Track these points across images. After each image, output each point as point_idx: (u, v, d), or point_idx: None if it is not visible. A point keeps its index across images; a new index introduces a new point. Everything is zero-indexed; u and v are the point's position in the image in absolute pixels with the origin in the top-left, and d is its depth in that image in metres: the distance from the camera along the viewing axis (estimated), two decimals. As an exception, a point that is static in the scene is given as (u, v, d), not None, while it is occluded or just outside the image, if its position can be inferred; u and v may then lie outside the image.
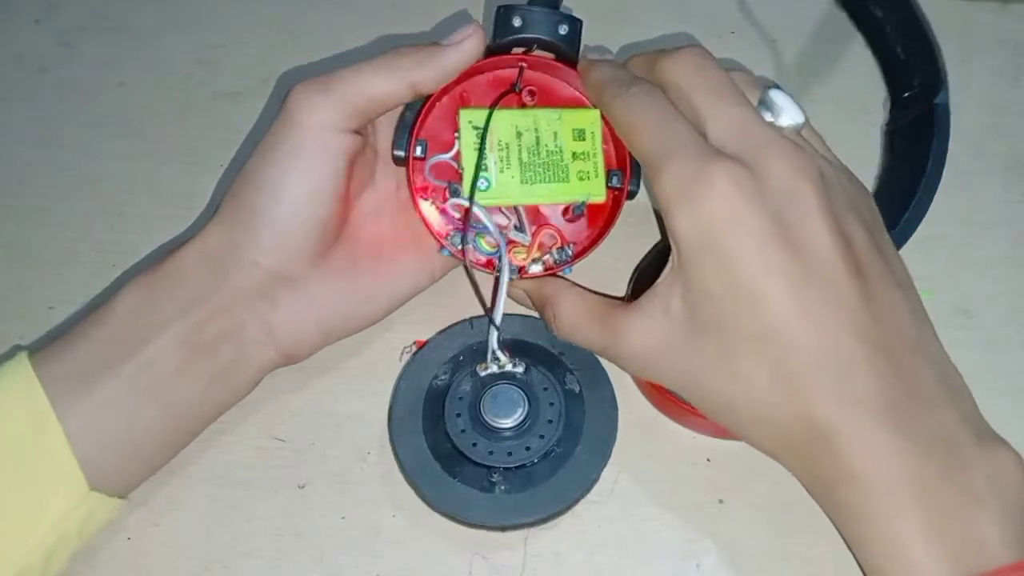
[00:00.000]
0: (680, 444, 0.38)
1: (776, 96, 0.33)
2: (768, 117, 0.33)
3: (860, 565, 0.31)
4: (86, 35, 0.53)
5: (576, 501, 0.36)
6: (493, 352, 0.37)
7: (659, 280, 0.33)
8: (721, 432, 0.37)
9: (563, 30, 0.37)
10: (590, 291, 0.37)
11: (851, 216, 0.32)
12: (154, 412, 0.34)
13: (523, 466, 0.36)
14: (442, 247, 0.37)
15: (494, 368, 0.37)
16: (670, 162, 0.31)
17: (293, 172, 0.35)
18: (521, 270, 0.38)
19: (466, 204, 0.36)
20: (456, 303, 0.41)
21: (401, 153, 0.37)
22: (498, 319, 0.36)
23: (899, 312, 0.31)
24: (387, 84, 0.36)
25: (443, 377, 0.38)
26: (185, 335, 0.34)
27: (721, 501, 0.37)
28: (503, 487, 0.36)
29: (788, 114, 0.33)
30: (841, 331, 0.30)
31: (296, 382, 0.40)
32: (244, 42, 0.53)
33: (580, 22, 0.38)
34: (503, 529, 0.36)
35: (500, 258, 0.37)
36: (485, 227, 0.37)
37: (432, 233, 0.37)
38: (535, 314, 0.39)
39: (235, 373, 0.36)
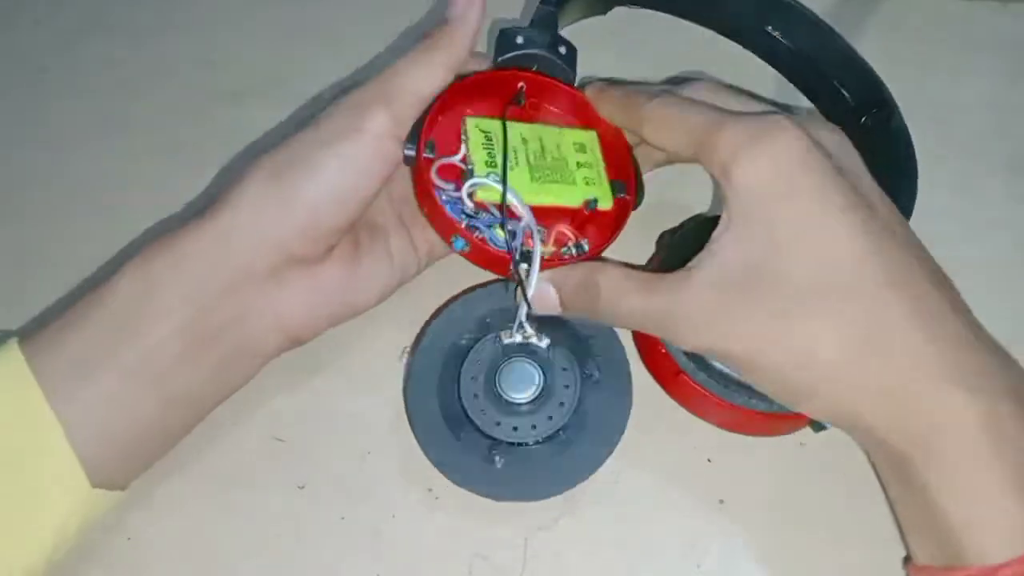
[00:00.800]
0: (680, 444, 0.38)
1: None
2: None
3: (937, 523, 0.31)
4: (86, 35, 0.53)
5: (570, 487, 0.36)
6: (520, 323, 0.37)
7: (712, 238, 0.33)
8: (728, 423, 0.37)
9: (563, 51, 0.39)
10: (628, 267, 0.36)
11: (860, 184, 0.34)
12: (155, 403, 0.34)
13: (525, 444, 0.36)
14: (457, 238, 0.37)
15: (518, 338, 0.37)
16: (729, 125, 0.32)
17: (347, 171, 0.35)
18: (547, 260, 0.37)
19: (483, 182, 0.36)
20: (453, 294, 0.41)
21: (412, 152, 0.37)
22: (530, 293, 0.36)
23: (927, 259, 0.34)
24: (433, 78, 0.36)
25: (467, 337, 0.38)
26: (189, 322, 0.34)
27: (721, 501, 0.37)
28: (503, 460, 0.36)
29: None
30: (919, 277, 0.32)
31: (296, 382, 0.40)
32: (244, 42, 0.53)
33: (575, 49, 0.39)
34: (496, 498, 0.36)
35: (533, 234, 0.36)
36: (495, 218, 0.36)
37: (447, 227, 0.37)
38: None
39: (240, 359, 0.36)
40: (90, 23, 0.54)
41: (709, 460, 0.38)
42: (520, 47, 0.38)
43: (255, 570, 0.35)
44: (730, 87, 0.36)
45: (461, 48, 0.37)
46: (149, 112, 0.50)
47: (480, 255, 0.36)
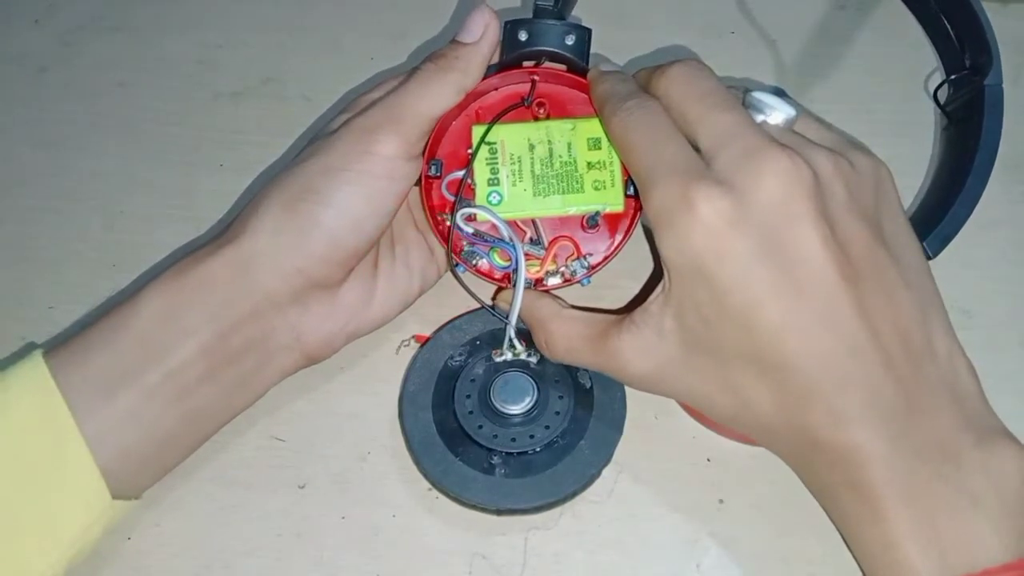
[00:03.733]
0: (680, 444, 0.38)
1: (761, 96, 0.33)
2: (759, 118, 0.33)
3: (861, 569, 0.31)
4: (86, 35, 0.53)
5: (573, 495, 0.36)
6: (510, 339, 0.38)
7: (651, 298, 0.33)
8: (724, 430, 0.38)
9: (570, 40, 0.38)
10: (581, 309, 0.37)
11: (851, 215, 0.31)
12: (175, 420, 0.34)
13: (525, 453, 0.36)
14: (458, 264, 0.38)
15: (509, 355, 0.38)
16: (656, 185, 0.31)
17: (361, 195, 0.35)
18: (538, 282, 0.38)
19: (474, 212, 0.37)
20: (457, 301, 0.41)
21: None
22: (513, 318, 0.37)
23: (901, 315, 0.31)
24: (444, 100, 0.37)
25: (458, 359, 0.39)
26: (212, 343, 0.34)
27: (721, 501, 0.37)
28: (503, 471, 0.36)
29: (778, 111, 0.33)
30: (835, 346, 0.30)
31: (296, 382, 0.40)
32: (244, 42, 0.53)
33: (588, 31, 0.38)
34: (499, 512, 0.36)
35: (516, 259, 0.37)
36: (496, 239, 0.38)
37: (447, 250, 0.38)
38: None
39: (257, 378, 0.36)
40: (90, 23, 0.54)
41: (709, 460, 0.38)
42: (525, 44, 0.38)
43: (255, 570, 0.35)
44: (708, 74, 0.34)
45: (475, 73, 0.37)
46: (149, 112, 0.50)
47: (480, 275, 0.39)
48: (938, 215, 0.41)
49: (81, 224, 0.45)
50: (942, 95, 0.45)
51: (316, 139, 0.38)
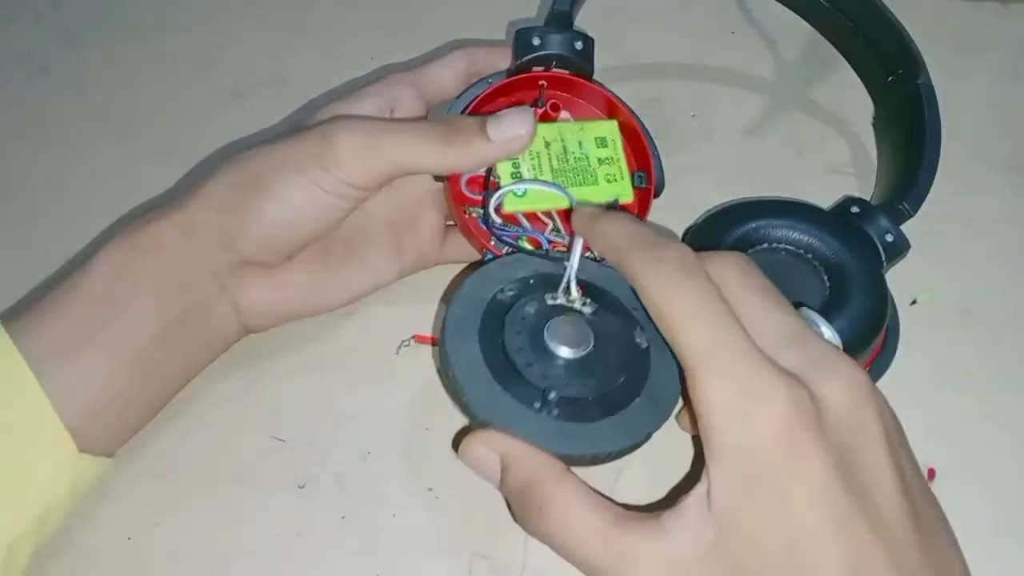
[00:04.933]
0: (680, 444, 0.38)
1: (810, 314, 0.32)
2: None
3: None
4: (86, 35, 0.53)
5: (623, 452, 0.33)
6: (567, 283, 0.35)
7: (687, 501, 0.28)
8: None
9: (579, 46, 0.39)
10: (592, 490, 0.30)
11: (904, 447, 0.29)
12: (135, 379, 0.35)
13: (577, 399, 0.33)
14: (487, 253, 0.39)
15: (563, 300, 0.35)
16: (721, 365, 0.27)
17: (307, 200, 0.36)
18: None
19: (505, 192, 0.38)
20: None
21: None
22: (575, 261, 0.35)
23: (951, 564, 0.28)
24: (430, 166, 0.37)
25: (508, 293, 0.35)
26: (161, 305, 0.35)
27: (721, 501, 0.37)
28: (554, 412, 0.32)
29: (826, 333, 0.32)
30: None
31: (296, 382, 0.40)
32: (244, 42, 0.53)
33: (592, 40, 0.40)
34: (555, 450, 0.32)
35: (573, 207, 0.37)
36: (523, 230, 0.38)
37: (477, 242, 0.39)
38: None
39: (205, 343, 0.37)
40: (90, 22, 0.54)
41: (709, 460, 0.38)
42: (537, 48, 0.39)
43: (255, 570, 0.35)
44: (762, 273, 0.31)
45: (473, 166, 0.37)
46: (149, 112, 0.50)
47: None
48: (907, 179, 0.41)
49: (81, 224, 0.45)
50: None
51: (302, 121, 0.38)
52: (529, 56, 0.39)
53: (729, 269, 0.31)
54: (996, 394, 0.32)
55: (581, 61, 0.40)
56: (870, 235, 0.39)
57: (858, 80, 0.50)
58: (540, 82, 0.40)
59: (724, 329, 0.28)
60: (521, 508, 0.30)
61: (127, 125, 0.49)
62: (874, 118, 0.47)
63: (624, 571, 0.28)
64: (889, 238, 0.39)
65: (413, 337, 0.41)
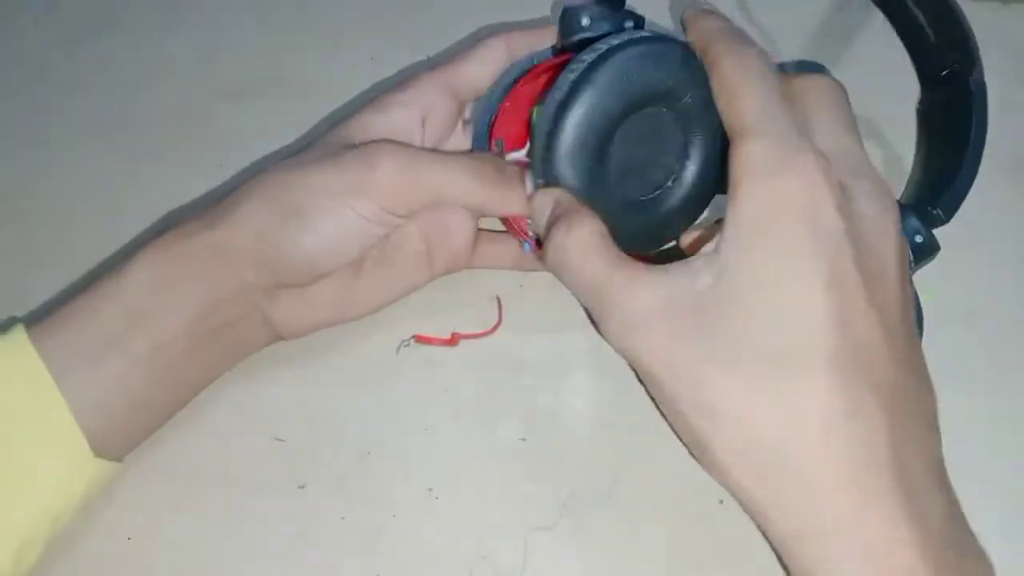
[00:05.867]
0: (680, 444, 0.38)
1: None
2: None
3: None
4: (86, 35, 0.53)
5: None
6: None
7: (699, 254, 0.31)
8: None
9: (629, 26, 0.37)
10: None
11: (909, 280, 0.31)
12: (158, 388, 0.35)
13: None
14: (524, 242, 0.38)
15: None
16: (765, 135, 0.29)
17: (349, 229, 0.36)
18: None
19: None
20: (455, 301, 0.41)
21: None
22: None
23: (927, 381, 0.30)
24: (470, 200, 0.36)
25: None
26: (194, 320, 0.35)
27: (721, 501, 0.37)
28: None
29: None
30: (875, 404, 0.27)
31: (296, 382, 0.40)
32: (244, 42, 0.53)
33: (643, 18, 0.38)
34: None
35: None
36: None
37: (516, 231, 0.38)
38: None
39: (233, 353, 0.38)
40: (90, 22, 0.54)
41: (709, 460, 0.38)
42: (585, 29, 0.37)
43: (255, 570, 0.35)
44: (841, 99, 0.33)
45: (512, 213, 0.37)
46: (149, 112, 0.50)
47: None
48: (943, 177, 0.41)
49: (81, 224, 0.45)
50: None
51: (326, 133, 0.38)
52: (578, 37, 0.37)
53: (817, 85, 0.33)
54: (996, 396, 0.32)
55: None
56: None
57: (858, 80, 0.50)
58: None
59: (775, 110, 0.30)
60: (555, 231, 0.33)
61: (127, 125, 0.49)
62: (919, 105, 0.46)
63: (623, 296, 0.30)
64: (919, 239, 0.38)
65: (413, 337, 0.41)
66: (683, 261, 0.30)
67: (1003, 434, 0.38)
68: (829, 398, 0.27)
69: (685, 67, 0.34)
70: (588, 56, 0.34)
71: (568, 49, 0.38)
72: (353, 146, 0.36)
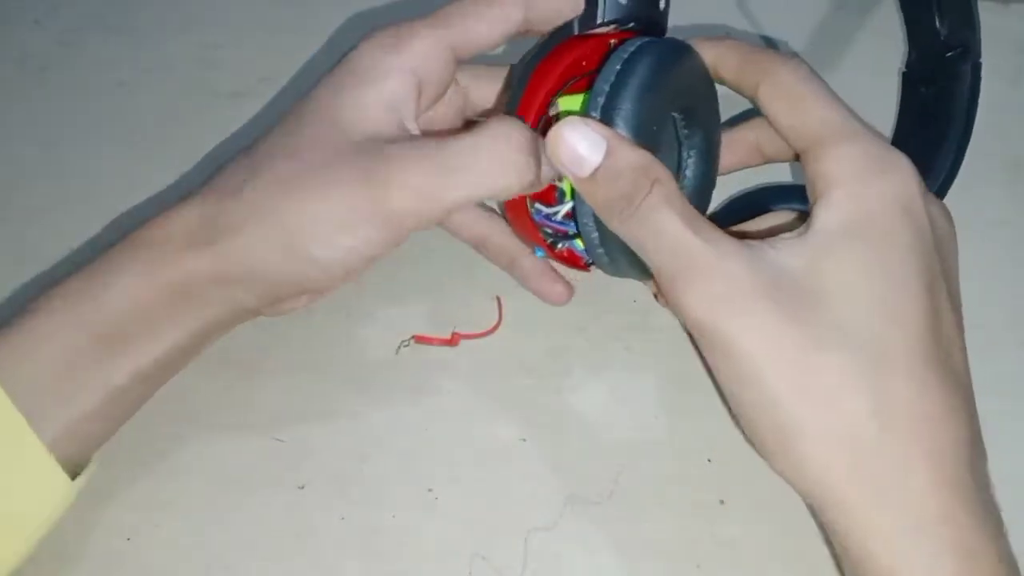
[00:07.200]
0: (681, 444, 0.38)
1: None
2: None
3: None
4: (86, 35, 0.53)
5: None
6: None
7: (789, 234, 0.30)
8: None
9: (663, 4, 0.36)
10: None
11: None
12: (137, 408, 0.35)
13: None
14: (538, 248, 0.38)
15: None
16: (858, 137, 0.30)
17: (357, 259, 0.32)
18: None
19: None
20: (455, 301, 0.41)
21: None
22: None
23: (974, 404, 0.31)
24: (496, 194, 0.32)
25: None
26: (183, 343, 0.34)
27: (722, 501, 0.37)
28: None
29: None
30: (963, 407, 0.29)
31: (296, 382, 0.40)
32: (244, 42, 0.53)
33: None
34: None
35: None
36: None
37: (530, 237, 0.38)
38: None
39: (210, 344, 0.37)
40: (90, 23, 0.54)
41: (709, 460, 0.38)
42: (625, 7, 0.34)
43: (255, 570, 0.35)
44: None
45: (534, 190, 0.33)
46: (149, 112, 0.50)
47: (560, 262, 0.38)
48: (935, 158, 0.41)
49: (81, 224, 0.45)
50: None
51: (327, 101, 0.33)
52: (613, 16, 0.34)
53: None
54: (996, 396, 0.32)
55: (662, 23, 0.36)
56: None
57: (858, 81, 0.50)
58: (610, 41, 0.35)
59: (853, 113, 0.31)
60: (632, 180, 0.30)
61: (126, 125, 0.49)
62: (905, 69, 0.45)
63: (714, 263, 0.28)
64: None
65: (413, 337, 0.41)
66: (765, 240, 0.29)
67: (1003, 434, 0.38)
68: (929, 397, 0.28)
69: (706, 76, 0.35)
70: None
71: (598, 25, 0.34)
72: (354, 142, 0.32)
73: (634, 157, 0.30)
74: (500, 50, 0.41)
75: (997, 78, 0.50)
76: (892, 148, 0.30)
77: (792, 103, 0.31)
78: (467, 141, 0.31)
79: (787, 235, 0.30)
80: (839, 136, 0.30)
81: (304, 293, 0.35)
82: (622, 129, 0.31)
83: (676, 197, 0.29)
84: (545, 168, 0.32)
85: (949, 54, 0.41)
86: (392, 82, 0.33)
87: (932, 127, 0.42)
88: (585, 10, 0.34)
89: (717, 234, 0.29)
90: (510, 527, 0.36)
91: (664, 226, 0.29)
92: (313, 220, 0.31)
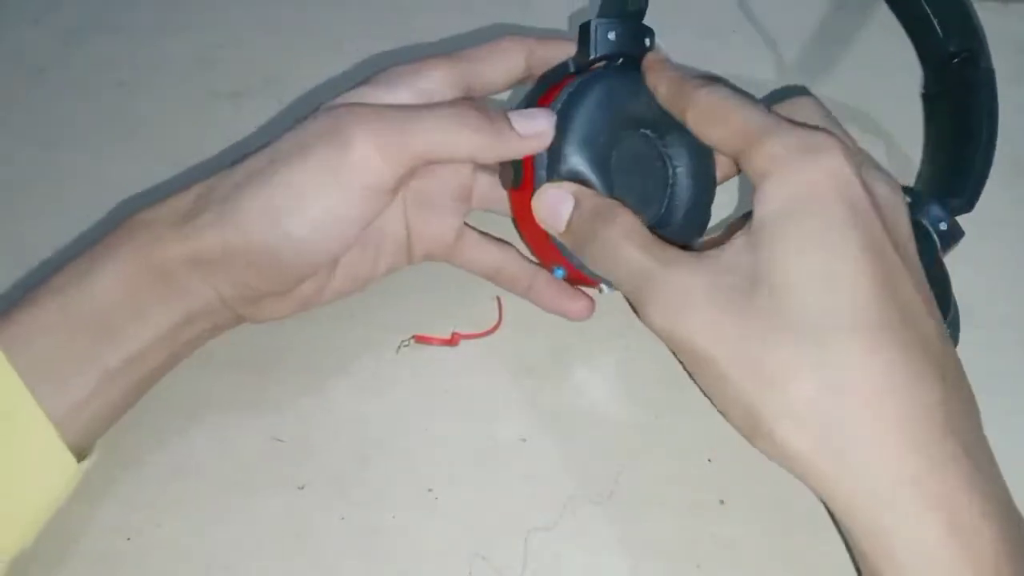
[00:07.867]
0: (681, 444, 0.38)
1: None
2: None
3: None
4: (86, 35, 0.53)
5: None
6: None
7: (739, 233, 0.31)
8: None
9: (648, 43, 0.38)
10: None
11: None
12: (134, 394, 0.36)
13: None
14: (557, 268, 0.38)
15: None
16: (780, 131, 0.31)
17: (333, 226, 0.34)
18: None
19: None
20: (455, 301, 0.41)
21: (517, 183, 0.37)
22: None
23: (957, 364, 0.31)
24: (456, 151, 0.34)
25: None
26: (170, 333, 0.35)
27: (722, 501, 0.37)
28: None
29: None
30: (930, 367, 0.29)
31: (296, 382, 0.40)
32: (244, 42, 0.53)
33: (653, 32, 0.39)
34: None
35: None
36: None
37: (548, 256, 0.38)
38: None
39: (204, 345, 0.38)
40: (90, 23, 0.54)
41: (709, 460, 0.38)
42: (613, 44, 0.37)
43: (255, 570, 0.35)
44: (828, 113, 0.34)
45: (500, 157, 0.35)
46: (148, 112, 0.50)
47: (576, 280, 0.39)
48: (958, 172, 0.41)
49: (81, 224, 0.45)
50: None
51: (317, 120, 0.35)
52: (604, 52, 0.36)
53: (802, 103, 0.34)
54: (996, 394, 0.32)
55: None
56: (923, 224, 0.39)
57: (858, 81, 0.50)
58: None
59: (774, 115, 0.32)
60: (595, 223, 0.34)
61: (126, 126, 0.49)
62: (923, 90, 0.46)
63: (667, 279, 0.31)
64: (943, 227, 0.39)
65: (413, 337, 0.41)
66: (718, 247, 0.31)
67: (1003, 433, 0.38)
68: (886, 364, 0.28)
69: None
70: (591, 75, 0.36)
71: (591, 63, 0.37)
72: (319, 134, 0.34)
73: (594, 203, 0.34)
74: (507, 95, 0.44)
75: (997, 78, 0.50)
76: (816, 131, 0.31)
77: (714, 120, 0.33)
78: (425, 106, 0.35)
79: (737, 234, 0.31)
80: (761, 133, 0.31)
81: (285, 287, 0.36)
82: (579, 165, 0.35)
83: (634, 230, 0.33)
84: (511, 136, 0.35)
85: (955, 60, 0.42)
86: (405, 93, 0.36)
87: (956, 139, 0.42)
88: (579, 49, 0.37)
89: (671, 253, 0.32)
90: (510, 527, 0.36)
91: (624, 255, 0.33)
92: (287, 188, 0.34)
